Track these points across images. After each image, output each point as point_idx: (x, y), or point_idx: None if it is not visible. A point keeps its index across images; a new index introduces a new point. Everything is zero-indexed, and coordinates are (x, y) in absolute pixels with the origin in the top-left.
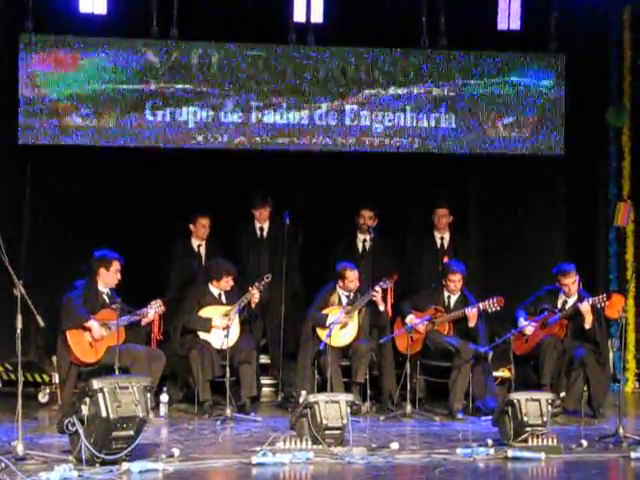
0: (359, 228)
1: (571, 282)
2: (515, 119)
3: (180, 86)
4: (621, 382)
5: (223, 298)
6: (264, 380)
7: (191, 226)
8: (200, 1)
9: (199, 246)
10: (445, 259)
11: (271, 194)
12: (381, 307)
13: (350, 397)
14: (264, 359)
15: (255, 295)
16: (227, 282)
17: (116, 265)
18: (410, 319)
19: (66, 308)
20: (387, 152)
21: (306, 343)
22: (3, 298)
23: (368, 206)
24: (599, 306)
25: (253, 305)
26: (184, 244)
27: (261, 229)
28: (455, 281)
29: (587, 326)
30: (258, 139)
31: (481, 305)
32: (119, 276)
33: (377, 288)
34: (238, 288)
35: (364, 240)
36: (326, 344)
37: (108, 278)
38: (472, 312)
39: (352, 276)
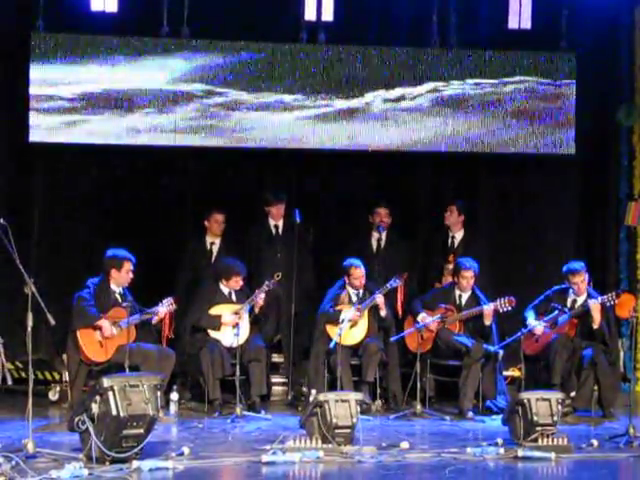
0: (374, 227)
1: (580, 281)
2: (525, 118)
3: (192, 85)
4: (631, 382)
5: (233, 296)
6: (276, 378)
7: (206, 222)
8: (210, 0)
9: (212, 244)
10: (451, 258)
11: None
12: (382, 312)
13: (360, 396)
14: (277, 358)
15: (260, 299)
16: (236, 282)
17: (127, 265)
18: (422, 318)
19: (77, 307)
20: (397, 151)
21: (317, 341)
22: (14, 296)
23: (384, 204)
24: (609, 304)
25: (257, 310)
26: (197, 242)
27: (276, 227)
28: (467, 278)
29: (595, 326)
30: (268, 138)
31: (492, 305)
32: (131, 275)
33: (381, 296)
34: (248, 287)
35: (379, 239)
36: (336, 343)
37: (120, 278)
38: (489, 310)
39: (357, 273)
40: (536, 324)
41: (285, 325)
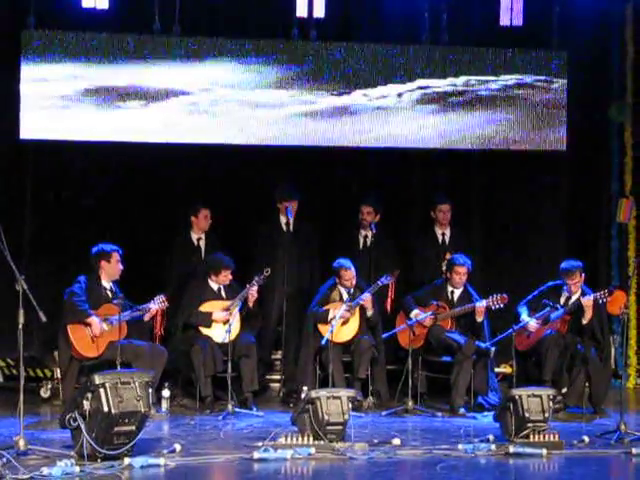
0: (360, 224)
1: (574, 283)
2: (517, 115)
3: (183, 82)
4: (622, 378)
5: (223, 293)
6: (273, 375)
7: (193, 218)
8: None
9: (199, 239)
10: (447, 255)
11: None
12: (369, 312)
13: (352, 393)
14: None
15: (253, 292)
16: (226, 276)
17: (115, 256)
18: (414, 314)
19: (68, 302)
20: (388, 148)
21: (307, 339)
22: (5, 293)
23: (367, 202)
24: (601, 302)
25: (251, 304)
26: (184, 238)
27: (287, 224)
28: (461, 274)
29: (584, 321)
30: (258, 135)
31: (485, 302)
32: (121, 266)
33: (368, 296)
34: (236, 282)
35: (365, 236)
36: (328, 340)
37: (111, 270)
38: (481, 307)
39: (347, 275)
40: (529, 320)
41: (292, 321)
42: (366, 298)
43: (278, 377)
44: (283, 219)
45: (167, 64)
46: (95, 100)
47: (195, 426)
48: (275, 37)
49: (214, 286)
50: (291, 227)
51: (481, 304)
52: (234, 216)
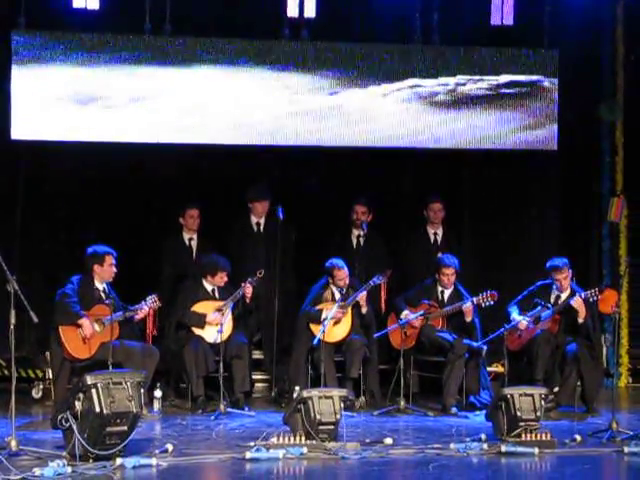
0: (353, 224)
1: (563, 278)
2: (508, 114)
3: (173, 82)
4: (614, 377)
5: (216, 293)
6: (257, 376)
7: (180, 219)
8: None
9: (190, 240)
10: (439, 255)
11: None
12: (363, 310)
13: (344, 392)
14: (257, 355)
15: (249, 290)
16: (222, 278)
17: (109, 259)
18: (405, 314)
19: (59, 303)
20: (379, 147)
21: (300, 339)
22: None
23: (361, 202)
24: (592, 300)
25: (248, 300)
26: (175, 239)
27: (258, 224)
28: (448, 275)
29: (580, 320)
30: (249, 134)
31: (475, 300)
32: (114, 269)
33: (364, 293)
34: (230, 283)
35: (358, 236)
36: (320, 339)
37: (104, 273)
38: (468, 307)
39: (341, 274)
40: (520, 319)
41: (266, 323)
42: (362, 295)
43: (262, 377)
44: (254, 219)
45: (158, 64)
46: (86, 100)
47: (187, 426)
48: (266, 37)
49: (208, 287)
50: (262, 227)
51: (468, 304)
52: (226, 216)
